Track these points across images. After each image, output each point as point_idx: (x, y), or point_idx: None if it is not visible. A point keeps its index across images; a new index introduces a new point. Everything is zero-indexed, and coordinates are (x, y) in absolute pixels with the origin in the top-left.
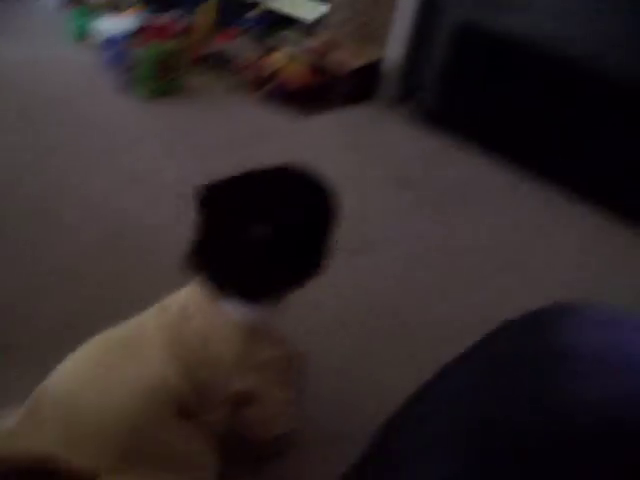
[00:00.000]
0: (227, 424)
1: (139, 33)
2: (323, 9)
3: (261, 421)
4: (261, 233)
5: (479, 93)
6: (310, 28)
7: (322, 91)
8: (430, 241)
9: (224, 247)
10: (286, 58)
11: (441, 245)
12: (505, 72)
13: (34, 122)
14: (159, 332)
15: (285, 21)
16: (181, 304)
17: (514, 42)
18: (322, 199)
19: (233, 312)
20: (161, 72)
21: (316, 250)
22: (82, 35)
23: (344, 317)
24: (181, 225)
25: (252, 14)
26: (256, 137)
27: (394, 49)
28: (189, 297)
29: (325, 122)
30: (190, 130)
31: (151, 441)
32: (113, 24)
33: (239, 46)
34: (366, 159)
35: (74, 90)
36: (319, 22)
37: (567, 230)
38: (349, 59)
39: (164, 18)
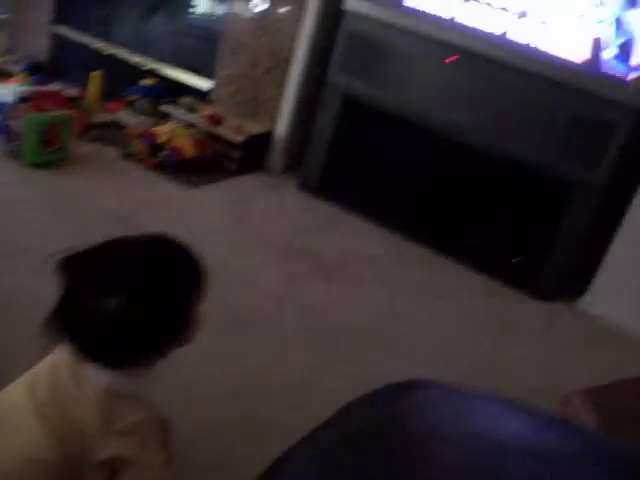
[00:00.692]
0: None
1: (24, 102)
2: (211, 83)
3: None
4: (112, 305)
5: (360, 164)
6: (203, 97)
7: (213, 161)
8: (314, 312)
9: (79, 315)
10: (178, 127)
11: (325, 315)
12: (383, 143)
13: None
14: (27, 402)
15: (177, 90)
16: (50, 368)
17: (391, 115)
18: (188, 268)
19: (98, 377)
20: (47, 141)
21: (177, 321)
22: None
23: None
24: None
25: (144, 82)
26: (145, 206)
27: (282, 122)
28: (58, 361)
29: (216, 191)
30: (76, 199)
31: None
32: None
33: (130, 115)
34: (254, 229)
35: None
36: (211, 93)
37: (450, 295)
38: (239, 131)
39: (50, 87)
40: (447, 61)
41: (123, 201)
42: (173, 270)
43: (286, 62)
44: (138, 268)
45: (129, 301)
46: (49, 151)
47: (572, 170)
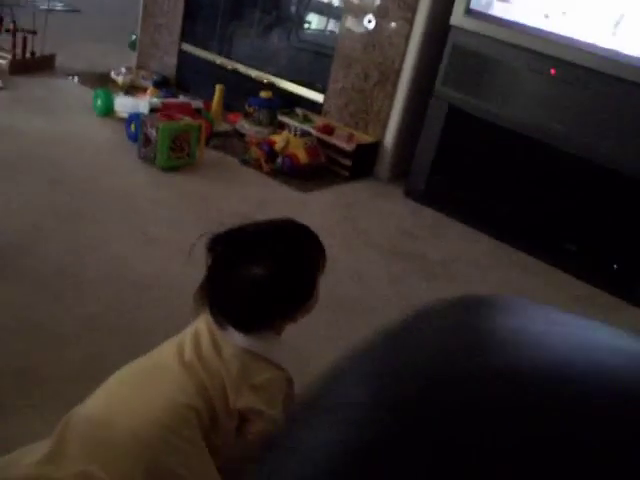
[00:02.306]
0: (231, 446)
1: (158, 112)
2: (324, 94)
3: (262, 437)
4: (257, 271)
5: (464, 173)
6: (316, 109)
7: (325, 168)
8: (411, 308)
9: (228, 285)
10: (293, 136)
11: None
12: (486, 153)
13: (61, 190)
14: (176, 358)
15: (292, 101)
16: (193, 333)
17: (496, 126)
18: (315, 247)
19: (236, 340)
20: (177, 147)
21: (306, 289)
22: (106, 112)
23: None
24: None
25: (262, 95)
26: (262, 208)
27: (390, 132)
28: (200, 327)
29: (328, 196)
30: (202, 200)
31: (175, 458)
32: (134, 103)
33: (249, 124)
34: (363, 231)
35: (100, 161)
36: (323, 103)
37: (549, 299)
38: (349, 140)
39: (177, 100)
40: (552, 73)
41: (244, 202)
42: (303, 243)
43: (395, 75)
44: (276, 240)
45: (270, 268)
46: (178, 156)
47: None
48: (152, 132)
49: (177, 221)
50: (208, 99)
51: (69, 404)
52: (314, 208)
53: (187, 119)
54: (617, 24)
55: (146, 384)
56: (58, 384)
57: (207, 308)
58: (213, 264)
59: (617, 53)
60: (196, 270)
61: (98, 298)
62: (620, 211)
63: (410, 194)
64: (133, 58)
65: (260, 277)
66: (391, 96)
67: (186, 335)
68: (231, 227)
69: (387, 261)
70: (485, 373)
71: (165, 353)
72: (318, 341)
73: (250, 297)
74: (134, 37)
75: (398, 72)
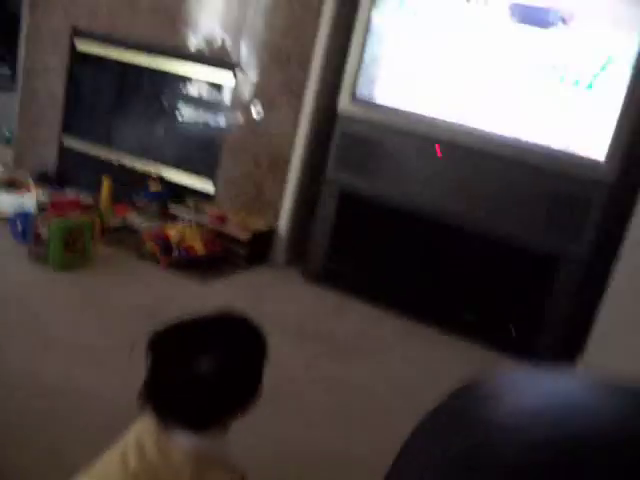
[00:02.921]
0: None
1: (44, 210)
2: (213, 184)
3: None
4: (205, 366)
5: (360, 252)
6: (207, 197)
7: (223, 257)
8: (330, 389)
9: (171, 383)
10: (187, 228)
11: (341, 393)
12: (380, 232)
13: None
14: (121, 467)
15: (183, 192)
16: (136, 439)
17: (387, 206)
18: (257, 336)
19: (183, 442)
20: (70, 245)
21: (252, 381)
22: None
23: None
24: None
25: (151, 187)
26: (167, 301)
27: (284, 218)
28: (141, 431)
29: (228, 285)
30: (102, 297)
31: None
32: (18, 200)
33: (140, 218)
34: (267, 316)
35: None
36: (215, 192)
37: (457, 364)
38: (244, 228)
39: (68, 195)
40: (438, 154)
41: (145, 297)
42: (247, 337)
43: (285, 162)
44: (222, 333)
45: (219, 362)
46: (72, 254)
47: (556, 245)
48: (44, 231)
49: (77, 321)
50: (93, 193)
51: None
52: (217, 298)
53: (79, 215)
54: (494, 108)
55: None
56: None
57: (150, 410)
58: (156, 363)
59: (496, 135)
60: (104, 371)
61: (7, 410)
62: (511, 278)
63: (309, 277)
64: (8, 153)
65: (209, 372)
66: (282, 182)
67: (128, 441)
68: (170, 324)
69: (298, 344)
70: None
71: (107, 465)
72: (240, 433)
73: (199, 393)
74: (8, 133)
75: (288, 159)
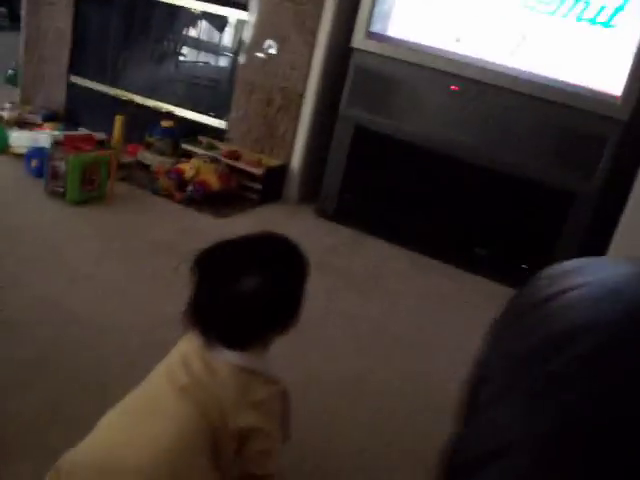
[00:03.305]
0: (234, 467)
1: (59, 146)
2: (226, 121)
3: (262, 454)
4: (249, 284)
5: (373, 188)
6: (218, 136)
7: (236, 194)
8: (348, 321)
9: (216, 300)
10: (202, 163)
11: (358, 324)
12: (393, 168)
13: None
14: (169, 386)
15: (195, 130)
16: (181, 357)
17: (400, 142)
18: (299, 257)
19: (228, 358)
20: (85, 181)
21: (295, 302)
22: (1, 149)
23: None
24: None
25: (163, 124)
26: (183, 235)
27: (297, 154)
28: (186, 350)
29: (242, 220)
30: (119, 232)
31: None
32: (32, 137)
33: (153, 154)
34: None
35: (4, 199)
36: (227, 130)
37: (462, 300)
38: (258, 164)
39: (80, 132)
40: (453, 89)
41: (164, 231)
42: (290, 257)
43: (299, 99)
44: (264, 252)
45: (261, 280)
46: (88, 189)
47: (569, 180)
48: (60, 165)
49: (98, 254)
50: (104, 131)
51: (35, 454)
52: (232, 232)
53: (96, 151)
54: (517, 44)
55: (145, 419)
56: (21, 434)
57: (195, 329)
58: (201, 281)
59: (512, 69)
60: (127, 300)
61: (37, 341)
62: (524, 213)
63: (322, 214)
64: (14, 93)
65: (253, 290)
66: (296, 119)
67: (172, 361)
68: (215, 243)
69: (314, 278)
70: None
71: (155, 384)
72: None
73: (242, 312)
74: (11, 71)
75: (301, 96)
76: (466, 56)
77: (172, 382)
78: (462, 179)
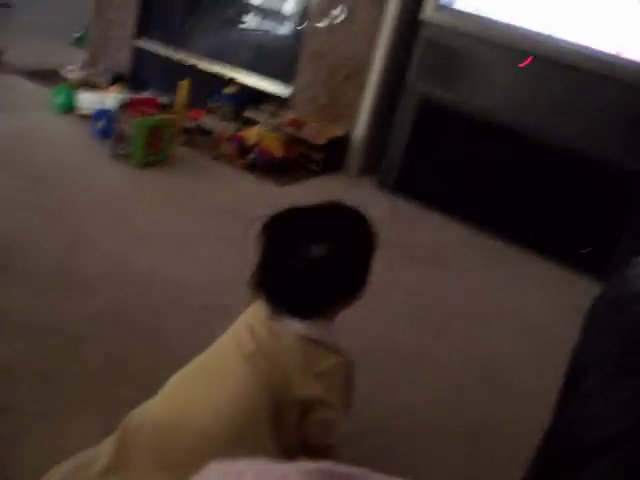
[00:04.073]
0: (294, 438)
1: (125, 108)
2: (291, 88)
3: (323, 426)
4: (317, 252)
5: (436, 163)
6: (283, 103)
7: (298, 162)
8: (408, 294)
9: (284, 267)
10: (263, 131)
11: (418, 297)
12: (458, 143)
13: (40, 189)
14: (237, 352)
15: (258, 97)
16: (247, 324)
17: (468, 116)
18: (368, 229)
19: (292, 327)
20: (150, 143)
21: (362, 272)
22: (67, 109)
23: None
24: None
25: (227, 90)
26: (244, 200)
27: (361, 125)
28: (253, 317)
29: (302, 189)
30: (183, 195)
31: (247, 452)
32: (98, 100)
33: (216, 120)
34: None
35: (71, 159)
36: (291, 97)
37: (522, 276)
38: (321, 133)
39: (145, 95)
40: (521, 65)
41: (225, 197)
42: (359, 227)
43: (365, 69)
44: (335, 220)
45: (330, 248)
46: (152, 152)
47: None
48: (126, 128)
49: (162, 216)
50: (168, 95)
51: (102, 406)
52: (292, 201)
53: (161, 115)
54: (591, 22)
55: (211, 384)
56: (89, 387)
57: (261, 296)
58: (269, 247)
59: (586, 47)
60: (195, 265)
61: (104, 296)
62: (589, 195)
63: (383, 186)
64: (80, 55)
65: (320, 259)
66: (361, 89)
67: (240, 327)
68: (280, 211)
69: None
70: None
71: (223, 349)
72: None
73: (310, 280)
74: (78, 34)
75: (367, 66)
76: (537, 32)
77: (239, 349)
78: (527, 157)
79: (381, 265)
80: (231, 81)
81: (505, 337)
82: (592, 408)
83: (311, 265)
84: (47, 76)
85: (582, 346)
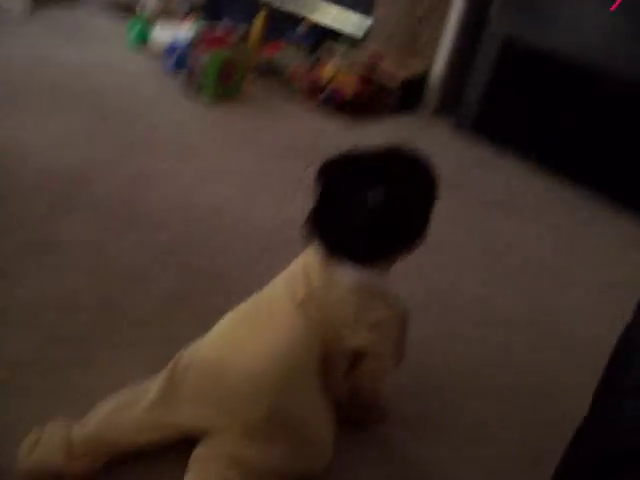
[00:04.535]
0: (344, 386)
1: (199, 41)
2: (368, 22)
3: (373, 375)
4: (376, 197)
5: (520, 105)
6: (358, 41)
7: (372, 100)
8: (477, 241)
9: (340, 212)
10: (337, 69)
11: (489, 243)
12: (544, 85)
13: (110, 123)
14: (289, 296)
15: (333, 34)
16: (302, 269)
17: (555, 58)
18: (428, 173)
19: (347, 275)
20: (223, 78)
21: (421, 220)
22: (142, 43)
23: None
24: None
25: (301, 28)
26: (314, 141)
27: (440, 62)
28: (308, 262)
29: (377, 129)
30: (251, 132)
31: (294, 399)
32: (172, 32)
33: (289, 57)
34: None
35: (143, 92)
36: (366, 35)
37: (602, 231)
38: (397, 71)
39: (220, 27)
40: (611, 9)
41: (297, 135)
42: (420, 173)
43: (445, 4)
44: (396, 164)
45: (386, 196)
46: (225, 87)
47: None
48: (199, 61)
49: (231, 153)
50: (242, 29)
51: (159, 340)
52: (368, 141)
53: (234, 48)
54: None
55: (262, 325)
56: (145, 322)
57: (317, 240)
58: (326, 191)
59: None
60: (259, 202)
61: (167, 232)
62: None
63: (461, 126)
64: None
65: (379, 204)
66: (440, 26)
67: (294, 273)
68: (342, 152)
69: (448, 193)
70: None
71: (277, 292)
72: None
73: (367, 226)
74: None
75: (449, 1)
76: None
77: (291, 293)
78: (616, 102)
79: (452, 210)
80: (307, 19)
81: (575, 297)
82: (634, 406)
83: (367, 211)
84: (122, 8)
85: (631, 332)
